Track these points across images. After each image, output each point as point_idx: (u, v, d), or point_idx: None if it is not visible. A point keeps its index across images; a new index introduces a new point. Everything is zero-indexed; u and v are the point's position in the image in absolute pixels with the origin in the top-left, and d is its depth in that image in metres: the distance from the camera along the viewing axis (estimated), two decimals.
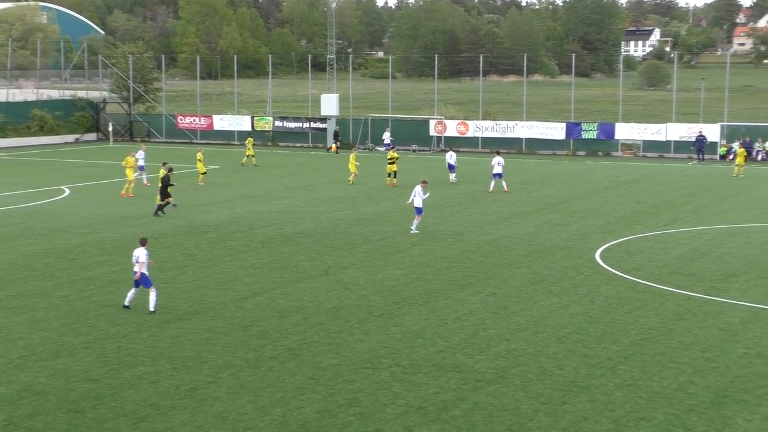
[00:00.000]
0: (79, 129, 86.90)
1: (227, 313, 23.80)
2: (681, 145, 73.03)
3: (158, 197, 40.66)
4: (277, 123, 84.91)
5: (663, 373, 19.03)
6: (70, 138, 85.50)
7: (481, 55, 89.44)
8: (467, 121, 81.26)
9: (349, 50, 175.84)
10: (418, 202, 36.38)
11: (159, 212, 40.10)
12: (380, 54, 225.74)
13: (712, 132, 72.77)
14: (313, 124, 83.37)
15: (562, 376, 18.76)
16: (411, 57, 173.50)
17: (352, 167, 53.63)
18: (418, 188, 36.61)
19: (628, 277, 28.24)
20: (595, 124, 76.51)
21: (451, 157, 53.73)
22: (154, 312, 23.61)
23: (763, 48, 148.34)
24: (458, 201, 45.76)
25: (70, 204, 40.66)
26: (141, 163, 51.68)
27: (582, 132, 75.79)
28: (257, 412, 16.66)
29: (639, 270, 29.21)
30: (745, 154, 60.64)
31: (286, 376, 18.68)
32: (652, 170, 61.16)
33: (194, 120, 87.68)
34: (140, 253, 23.80)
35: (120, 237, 35.01)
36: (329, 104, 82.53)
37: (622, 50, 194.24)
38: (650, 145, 73.53)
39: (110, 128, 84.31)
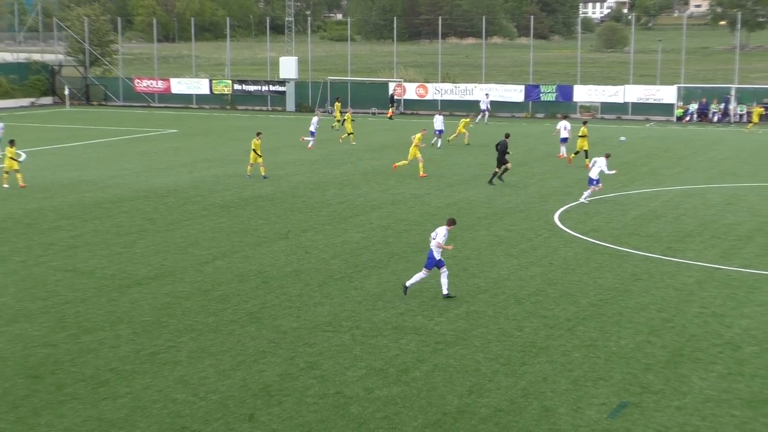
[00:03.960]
0: (34, 92, 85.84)
1: (187, 278, 23.72)
2: (638, 107, 73.55)
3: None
4: (236, 86, 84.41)
5: (620, 333, 19.25)
6: (26, 102, 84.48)
7: (440, 18, 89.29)
8: (427, 84, 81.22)
9: (308, 12, 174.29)
10: (594, 173, 34.54)
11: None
12: (339, 16, 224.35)
13: (669, 94, 73.34)
14: (272, 87, 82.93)
15: (521, 338, 18.92)
16: (370, 19, 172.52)
17: (348, 126, 54.19)
18: (602, 160, 34.74)
19: (586, 238, 28.47)
20: (554, 87, 76.81)
21: (438, 121, 53.08)
22: (448, 295, 21.66)
23: (719, 10, 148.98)
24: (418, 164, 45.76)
25: (26, 168, 40.18)
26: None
27: (541, 94, 76.08)
28: (218, 376, 16.67)
29: (597, 231, 29.45)
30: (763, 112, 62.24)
31: (246, 340, 18.68)
32: (610, 132, 61.49)
33: (152, 83, 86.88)
34: (439, 232, 21.62)
35: (78, 202, 34.68)
36: (288, 67, 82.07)
37: (580, 12, 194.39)
38: (608, 107, 74.02)
39: (66, 92, 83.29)
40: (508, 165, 39.12)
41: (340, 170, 43.35)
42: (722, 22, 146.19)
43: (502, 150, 39.01)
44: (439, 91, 79.28)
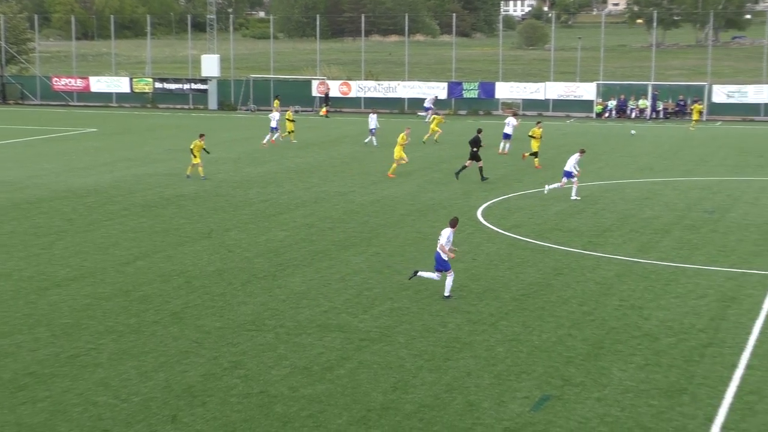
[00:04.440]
0: None
1: (108, 279, 23.38)
2: (559, 104, 74.53)
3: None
4: (157, 84, 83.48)
5: (543, 327, 19.48)
6: None
7: (363, 15, 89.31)
8: (350, 82, 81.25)
9: (230, 10, 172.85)
10: (569, 166, 34.84)
11: None
12: (261, 14, 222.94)
13: (588, 90, 74.46)
14: (194, 86, 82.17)
15: (445, 333, 19.03)
16: (292, 17, 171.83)
17: (289, 125, 53.66)
18: (576, 156, 34.98)
19: (508, 234, 28.76)
20: (476, 84, 77.44)
21: (372, 120, 52.49)
22: (449, 297, 21.46)
23: (636, 8, 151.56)
24: (341, 161, 45.80)
25: None
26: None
27: (463, 91, 76.63)
28: (140, 378, 16.47)
29: (519, 227, 29.77)
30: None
31: (169, 341, 18.48)
32: (531, 128, 62.07)
33: (70, 82, 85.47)
34: (443, 234, 21.47)
35: None
36: (210, 65, 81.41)
37: (502, 10, 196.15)
38: (530, 104, 74.86)
39: None
40: (480, 162, 39.41)
41: (264, 168, 43.14)
42: (639, 21, 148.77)
43: (474, 145, 39.26)
44: (362, 88, 79.36)
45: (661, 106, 73.03)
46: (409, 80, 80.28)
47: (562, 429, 14.40)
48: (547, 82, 76.21)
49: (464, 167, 39.37)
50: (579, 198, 34.52)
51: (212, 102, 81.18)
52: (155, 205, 33.81)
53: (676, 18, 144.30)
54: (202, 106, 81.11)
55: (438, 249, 21.49)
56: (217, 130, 59.48)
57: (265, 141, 51.98)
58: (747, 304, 21.12)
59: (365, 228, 29.74)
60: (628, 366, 17.13)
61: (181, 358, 17.51)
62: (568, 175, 34.75)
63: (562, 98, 74.74)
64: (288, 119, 54.29)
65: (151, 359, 17.43)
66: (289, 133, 54.11)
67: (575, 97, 74.53)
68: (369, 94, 78.46)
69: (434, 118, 55.72)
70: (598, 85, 74.92)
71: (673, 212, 32.38)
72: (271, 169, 43.07)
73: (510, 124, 48.02)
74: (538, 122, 46.82)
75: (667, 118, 72.19)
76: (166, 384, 16.17)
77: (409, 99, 77.52)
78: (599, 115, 73.19)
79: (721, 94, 71.41)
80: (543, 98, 74.81)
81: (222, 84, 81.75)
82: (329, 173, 41.40)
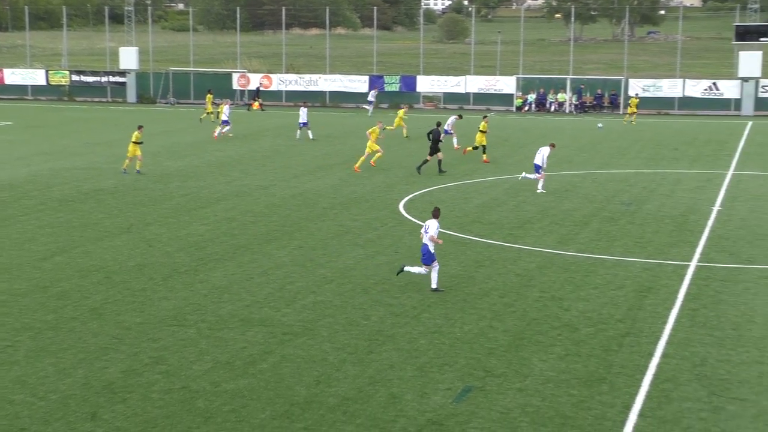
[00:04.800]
0: None
1: (24, 275, 22.93)
2: (479, 97, 75.14)
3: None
4: (74, 77, 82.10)
5: (464, 319, 19.63)
6: None
7: (284, 8, 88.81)
8: (271, 75, 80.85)
9: (148, 2, 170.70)
10: (538, 160, 35.01)
11: None
12: (181, 6, 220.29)
13: (508, 84, 75.19)
14: (112, 78, 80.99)
15: (368, 326, 19.07)
16: (212, 9, 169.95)
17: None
18: (546, 150, 35.03)
19: None
20: (398, 77, 77.67)
21: (302, 114, 51.80)
22: (437, 290, 21.57)
23: (554, 3, 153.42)
24: (263, 155, 45.57)
25: None
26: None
27: (385, 85, 76.73)
28: (59, 375, 16.19)
29: (441, 220, 29.84)
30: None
31: (88, 337, 18.20)
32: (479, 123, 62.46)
33: None
34: (431, 225, 21.58)
35: None
36: (128, 58, 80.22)
37: (422, 4, 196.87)
38: (450, 97, 75.33)
39: None
40: (440, 155, 39.40)
41: (184, 162, 42.70)
42: (558, 15, 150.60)
43: (434, 139, 39.33)
44: (283, 81, 79.05)
45: (577, 99, 74.07)
46: (330, 74, 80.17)
47: (484, 420, 14.54)
48: (467, 76, 76.75)
49: (426, 161, 39.56)
50: (545, 191, 34.87)
51: (131, 95, 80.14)
52: (73, 199, 33.24)
53: (593, 13, 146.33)
54: (120, 99, 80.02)
55: (425, 242, 21.54)
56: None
57: (223, 130, 51.55)
58: (663, 294, 21.56)
59: (287, 221, 29.64)
60: (548, 356, 17.36)
61: (100, 354, 17.26)
62: (538, 168, 35.13)
63: (482, 92, 75.36)
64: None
65: (69, 356, 17.14)
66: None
67: (495, 90, 75.20)
68: (290, 88, 78.17)
69: (400, 111, 55.56)
70: (517, 78, 75.71)
71: (591, 204, 32.87)
72: (192, 162, 42.65)
73: (449, 122, 47.58)
74: (485, 116, 46.88)
75: (585, 111, 73.25)
76: (85, 381, 15.92)
77: (330, 92, 77.45)
78: (519, 108, 73.98)
79: (636, 87, 72.66)
80: (464, 92, 75.33)
81: (141, 77, 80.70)
82: (250, 167, 41.16)
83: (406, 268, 22.12)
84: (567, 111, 73.17)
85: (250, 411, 14.79)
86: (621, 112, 70.71)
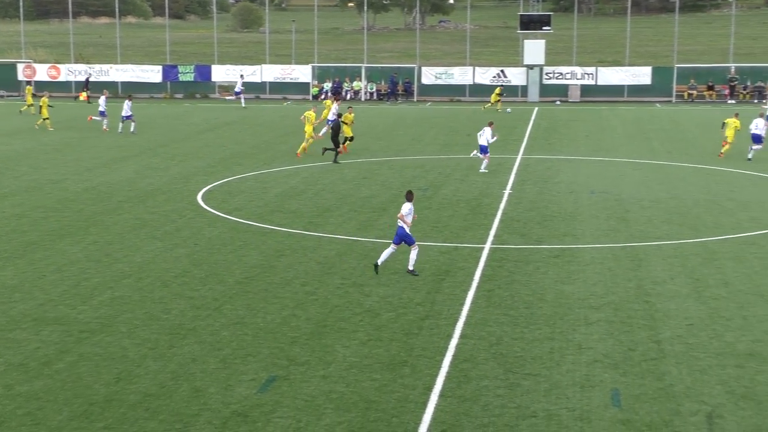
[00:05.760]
0: None
1: None
2: (276, 86, 75.10)
3: None
4: None
5: (267, 309, 19.59)
6: None
7: None
8: (59, 65, 78.10)
9: None
10: (482, 141, 37.05)
11: None
12: None
13: (304, 73, 75.47)
14: None
15: (168, 320, 18.74)
16: None
17: (44, 111, 51.00)
18: (488, 129, 37.09)
19: (230, 217, 28.67)
20: (192, 67, 76.62)
21: (126, 107, 49.67)
22: (413, 272, 22.04)
23: None
24: (53, 148, 43.98)
25: None
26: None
27: (179, 74, 75.58)
28: None
29: (240, 210, 29.74)
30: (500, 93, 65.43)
31: None
32: (250, 111, 62.18)
33: None
34: (404, 208, 21.92)
35: None
36: None
37: None
38: (246, 87, 74.73)
39: None
40: (341, 148, 40.24)
41: None
42: (350, 4, 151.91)
43: (335, 130, 40.00)
44: (72, 72, 76.55)
45: (374, 87, 75.13)
46: (122, 63, 78.14)
47: (289, 408, 14.57)
48: (263, 65, 76.50)
49: (338, 152, 39.98)
50: (487, 171, 36.95)
51: None
52: None
53: (385, 2, 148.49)
54: None
55: (400, 224, 21.92)
56: None
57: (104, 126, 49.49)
58: (460, 276, 22.19)
59: (81, 216, 28.71)
60: (351, 342, 17.56)
61: None
62: (484, 149, 36.97)
63: (278, 80, 75.33)
64: (44, 105, 51.72)
65: None
66: (44, 120, 51.36)
67: (291, 79, 75.30)
68: (80, 78, 75.67)
69: (327, 103, 52.31)
70: (313, 67, 76.05)
71: (389, 191, 33.41)
72: None
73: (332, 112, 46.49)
74: (350, 107, 46.56)
75: (380, 99, 74.36)
76: None
77: (122, 83, 75.53)
78: (315, 97, 74.33)
79: (429, 75, 74.33)
80: (260, 81, 75.07)
81: None
82: (40, 161, 39.61)
83: (380, 262, 22.32)
84: (362, 99, 74.02)
85: (46, 413, 14.28)
86: (415, 99, 72.14)
